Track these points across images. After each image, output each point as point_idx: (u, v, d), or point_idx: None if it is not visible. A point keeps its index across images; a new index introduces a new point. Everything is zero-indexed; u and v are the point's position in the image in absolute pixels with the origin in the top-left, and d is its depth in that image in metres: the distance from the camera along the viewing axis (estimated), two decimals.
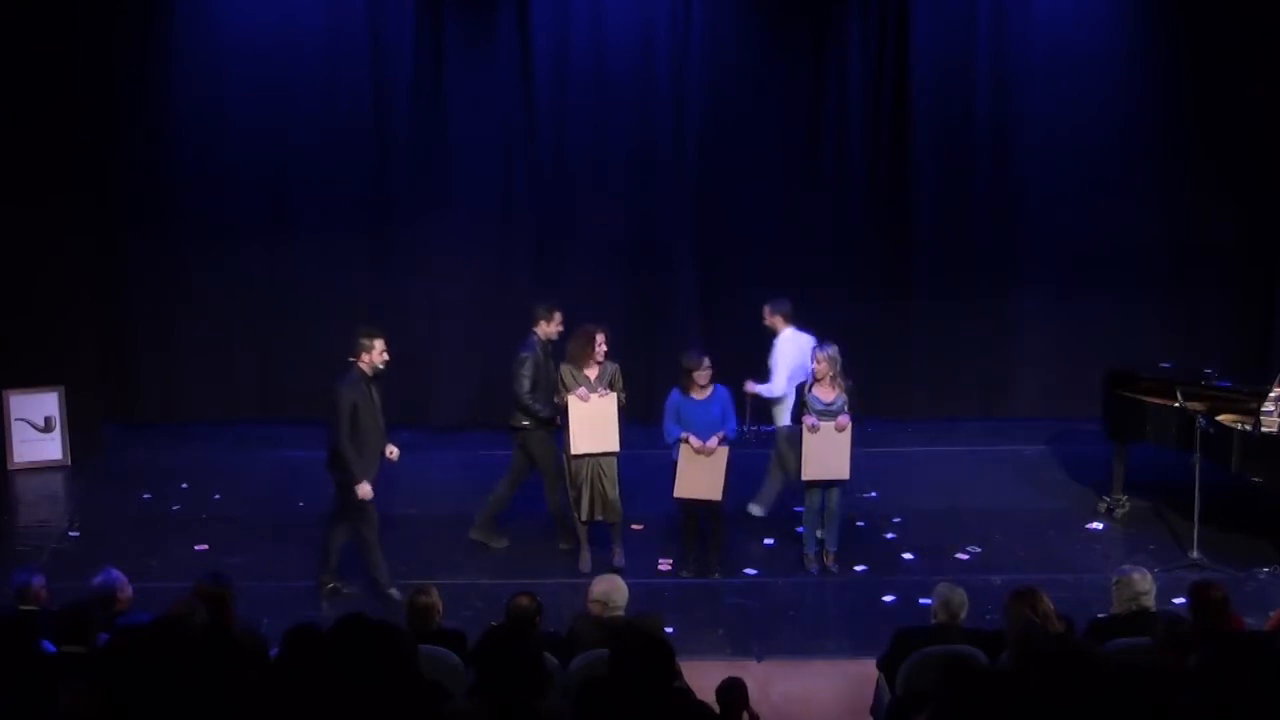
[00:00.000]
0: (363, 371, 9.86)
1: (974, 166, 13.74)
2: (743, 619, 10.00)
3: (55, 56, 12.43)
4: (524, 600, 7.59)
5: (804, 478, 10.48)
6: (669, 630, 8.29)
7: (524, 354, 10.71)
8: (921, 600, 9.13)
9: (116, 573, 7.87)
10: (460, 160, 13.55)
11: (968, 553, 10.90)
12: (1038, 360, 13.94)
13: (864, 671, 8.22)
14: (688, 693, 6.02)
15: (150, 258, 13.58)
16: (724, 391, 10.45)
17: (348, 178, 13.56)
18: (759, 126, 13.57)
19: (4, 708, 5.52)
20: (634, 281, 13.68)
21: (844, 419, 10.36)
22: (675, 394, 10.37)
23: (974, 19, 13.51)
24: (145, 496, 12.11)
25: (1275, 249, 13.61)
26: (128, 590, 7.84)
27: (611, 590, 7.80)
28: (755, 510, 11.35)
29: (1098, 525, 11.42)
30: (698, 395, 10.32)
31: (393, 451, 10.08)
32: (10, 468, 12.71)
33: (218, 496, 12.07)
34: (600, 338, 10.40)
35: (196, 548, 10.94)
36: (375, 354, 9.88)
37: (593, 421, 10.33)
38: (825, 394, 10.43)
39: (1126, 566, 7.94)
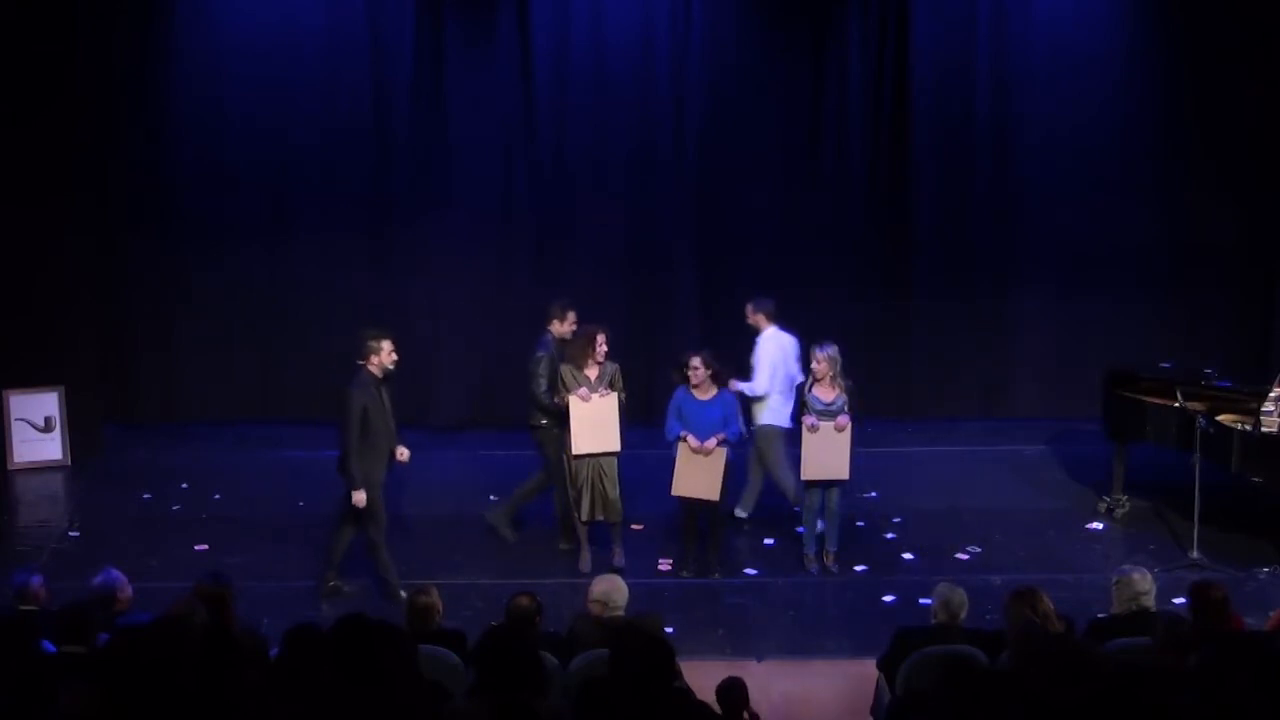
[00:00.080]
0: (372, 374, 9.87)
1: (974, 166, 13.74)
2: (743, 619, 10.00)
3: (55, 56, 12.43)
4: (524, 600, 7.59)
5: (804, 477, 10.48)
6: (669, 630, 8.29)
7: (540, 353, 10.71)
8: (921, 600, 9.12)
9: (116, 573, 7.86)
10: (460, 160, 13.55)
11: (968, 553, 10.90)
12: (1038, 360, 13.94)
13: (864, 671, 8.22)
14: (688, 693, 6.02)
15: (150, 258, 13.58)
16: (729, 395, 10.45)
17: (348, 178, 13.57)
18: (759, 126, 13.58)
19: (4, 708, 5.52)
20: (634, 281, 13.68)
21: (844, 419, 10.36)
22: (680, 392, 10.37)
23: (974, 19, 13.52)
24: (145, 496, 12.11)
25: (1275, 249, 13.62)
26: (128, 590, 7.84)
27: (611, 590, 7.80)
28: (739, 513, 11.35)
29: (1098, 525, 11.42)
30: (700, 395, 10.32)
31: (403, 453, 10.09)
32: (10, 468, 12.71)
33: (218, 496, 12.07)
34: (601, 338, 10.40)
35: (196, 548, 10.94)
36: (384, 355, 9.89)
37: (593, 421, 10.34)
38: (825, 394, 10.43)
39: (1126, 566, 7.94)
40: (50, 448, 12.85)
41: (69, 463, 12.86)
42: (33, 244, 12.48)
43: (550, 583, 9.97)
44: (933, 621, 7.64)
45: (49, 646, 6.62)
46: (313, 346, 13.59)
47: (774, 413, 11.04)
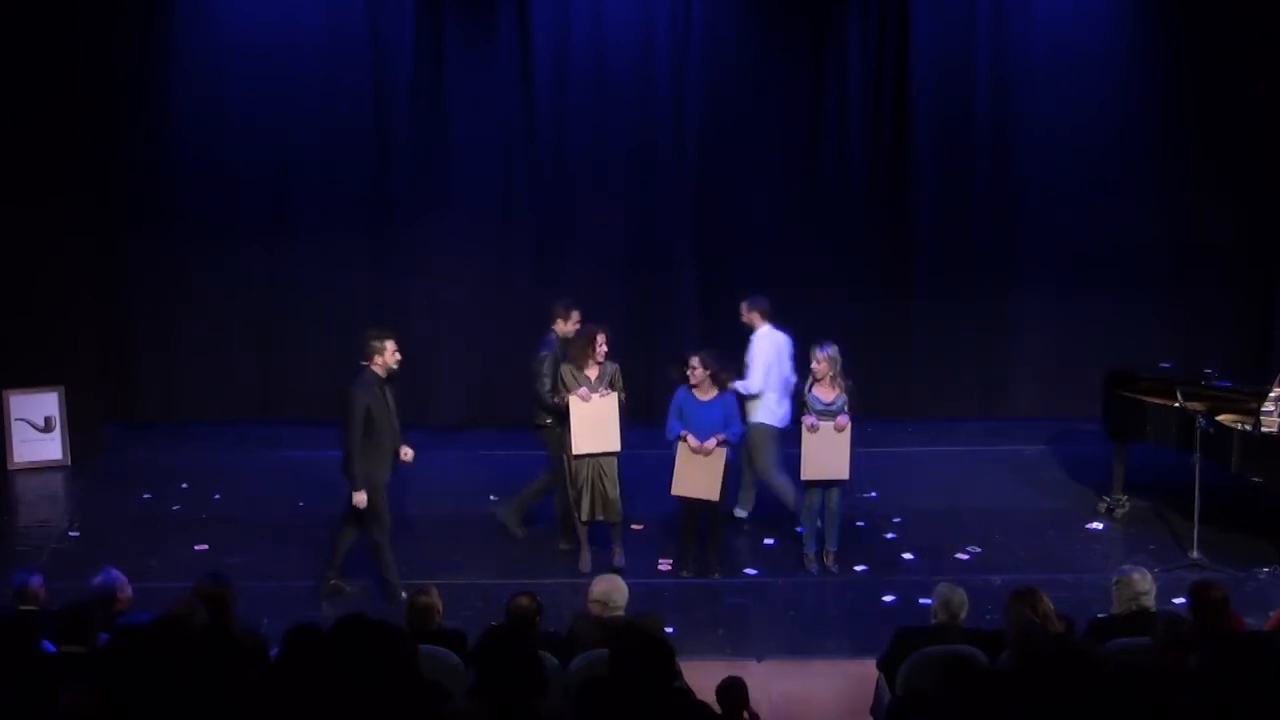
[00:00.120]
0: (376, 374, 9.87)
1: (974, 166, 13.74)
2: (743, 619, 10.01)
3: (55, 56, 12.43)
4: (524, 600, 7.59)
5: (803, 477, 10.48)
6: (669, 630, 8.29)
7: (544, 352, 10.71)
8: (921, 600, 9.12)
9: (116, 573, 7.86)
10: (460, 160, 13.55)
11: (968, 553, 10.90)
12: (1038, 360, 13.94)
13: (864, 671, 8.22)
14: (688, 693, 6.02)
15: (150, 258, 13.58)
16: (730, 396, 10.45)
17: (348, 178, 13.57)
18: (759, 126, 13.58)
19: (4, 708, 5.52)
20: (634, 281, 13.68)
21: (843, 419, 10.36)
22: (681, 391, 10.37)
23: (974, 19, 13.52)
24: (145, 496, 12.11)
25: (1275, 249, 13.62)
26: (128, 590, 7.84)
27: (611, 590, 7.80)
28: (739, 513, 11.36)
29: (1098, 525, 11.42)
30: (701, 395, 10.31)
31: (407, 453, 10.09)
32: (10, 468, 12.71)
33: (218, 496, 12.07)
34: (601, 338, 10.40)
35: (196, 548, 10.94)
36: (388, 355, 9.89)
37: (593, 421, 10.34)
38: (825, 394, 10.43)
39: (1126, 566, 7.94)
40: (50, 448, 12.85)
41: (69, 463, 12.86)
42: (33, 244, 12.47)
43: (550, 583, 9.97)
44: (933, 621, 7.64)
45: (49, 646, 6.62)
46: (313, 346, 13.60)
47: (768, 411, 11.05)
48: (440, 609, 7.66)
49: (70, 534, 11.40)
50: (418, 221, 13.62)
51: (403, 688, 5.49)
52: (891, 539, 11.17)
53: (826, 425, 10.34)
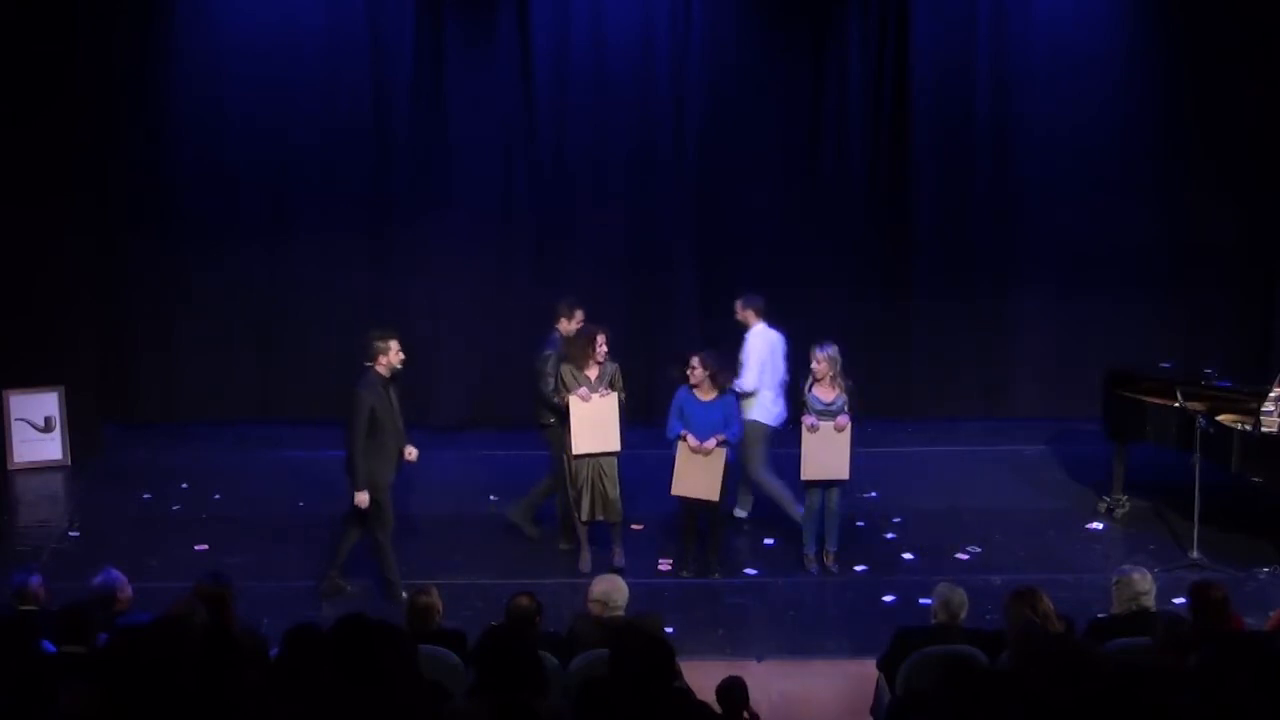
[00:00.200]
0: (380, 374, 9.87)
1: (974, 166, 13.74)
2: (743, 619, 10.01)
3: (55, 56, 12.43)
4: (524, 600, 7.59)
5: (803, 477, 10.48)
6: (669, 630, 8.29)
7: (547, 351, 10.70)
8: (921, 600, 9.12)
9: (116, 573, 7.86)
10: (460, 160, 13.55)
11: (968, 553, 10.90)
12: (1038, 360, 13.94)
13: (864, 671, 8.22)
14: (688, 693, 6.02)
15: (150, 258, 13.57)
16: (731, 397, 10.45)
17: (348, 178, 13.56)
18: (759, 126, 13.58)
19: (4, 708, 5.52)
20: (634, 281, 13.68)
21: (843, 419, 10.36)
22: (682, 391, 10.37)
23: (974, 19, 13.52)
24: (145, 496, 12.10)
25: (1275, 249, 13.61)
26: (128, 590, 7.83)
27: (611, 590, 7.80)
28: (739, 513, 11.36)
29: (1098, 525, 11.42)
30: (702, 396, 10.31)
31: (411, 453, 10.10)
32: (10, 468, 12.71)
33: (218, 496, 12.06)
34: (601, 338, 10.40)
35: (196, 548, 10.94)
36: (392, 355, 9.90)
37: (593, 421, 10.33)
38: (825, 394, 10.43)
39: (1126, 566, 7.94)
40: (50, 448, 12.84)
41: (69, 463, 12.86)
42: (33, 244, 12.47)
43: (550, 583, 9.97)
44: (933, 621, 7.64)
45: (49, 646, 6.62)
46: (313, 346, 13.61)
47: (762, 409, 11.05)
48: (440, 609, 7.66)
49: (70, 534, 11.40)
50: (418, 221, 13.61)
51: (403, 688, 5.49)
52: (891, 539, 11.17)
53: (826, 425, 10.34)
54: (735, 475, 10.97)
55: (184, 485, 12.30)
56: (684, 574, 10.50)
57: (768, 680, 8.74)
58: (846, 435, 10.37)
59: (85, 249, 12.98)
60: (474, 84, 13.45)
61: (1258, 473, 10.40)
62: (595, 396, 10.36)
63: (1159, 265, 13.79)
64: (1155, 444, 11.20)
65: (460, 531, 11.24)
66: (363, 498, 9.82)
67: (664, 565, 10.64)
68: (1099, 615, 8.01)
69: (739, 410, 10.52)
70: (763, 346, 11.15)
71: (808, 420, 10.36)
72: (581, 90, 13.51)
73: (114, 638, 6.01)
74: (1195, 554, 10.41)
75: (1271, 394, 10.46)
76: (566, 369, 10.44)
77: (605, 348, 10.42)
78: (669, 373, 10.62)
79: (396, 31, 13.42)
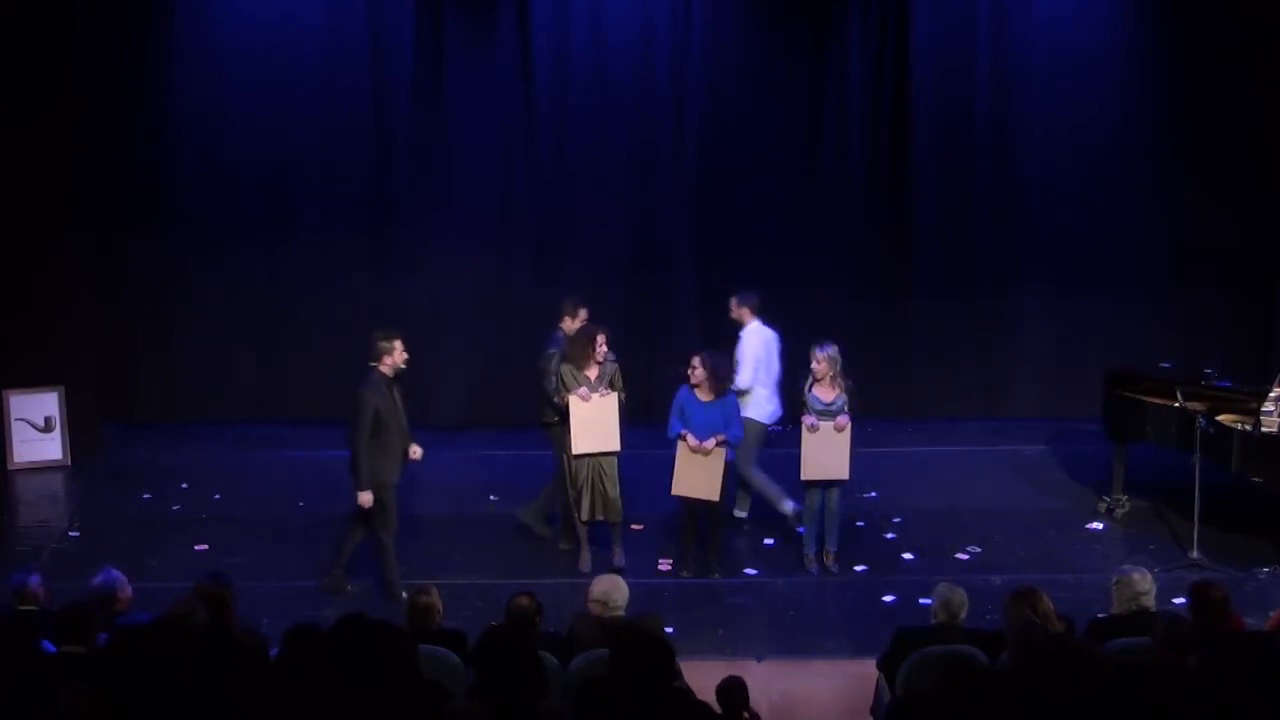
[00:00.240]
0: (384, 374, 9.88)
1: (974, 166, 13.74)
2: (743, 619, 10.00)
3: (55, 56, 12.42)
4: (524, 600, 7.59)
5: (803, 477, 10.48)
6: (669, 630, 8.29)
7: (551, 350, 10.70)
8: (921, 600, 9.12)
9: (116, 573, 7.86)
10: (460, 160, 13.55)
11: (968, 553, 10.90)
12: (1038, 360, 13.94)
13: (864, 671, 8.22)
14: (688, 693, 6.02)
15: (150, 258, 13.57)
16: (732, 397, 10.45)
17: (348, 178, 13.56)
18: (759, 126, 13.58)
19: (4, 708, 5.52)
20: (634, 281, 13.68)
21: (843, 419, 10.36)
22: (684, 391, 10.37)
23: (974, 19, 13.52)
24: (145, 496, 12.10)
25: (1275, 249, 13.62)
26: (128, 590, 7.83)
27: (611, 590, 7.80)
28: (739, 513, 11.36)
29: (1098, 525, 11.42)
30: (703, 396, 10.31)
31: (416, 452, 10.10)
32: (10, 468, 12.71)
33: (218, 496, 12.06)
34: (600, 339, 10.40)
35: (196, 548, 10.94)
36: (396, 355, 9.91)
37: (593, 421, 10.34)
38: (825, 394, 10.43)
39: (1126, 566, 7.94)
40: (50, 448, 12.84)
41: (69, 463, 12.85)
42: (33, 244, 12.47)
43: (550, 583, 9.97)
44: (933, 621, 7.64)
45: (49, 646, 6.62)
46: (313, 346, 13.61)
47: (756, 407, 11.05)
48: (440, 609, 7.66)
49: (70, 534, 11.40)
50: (418, 221, 13.61)
51: (403, 688, 5.49)
52: (891, 539, 11.17)
53: (826, 425, 10.34)
54: (735, 475, 10.97)
55: (184, 485, 12.30)
56: (684, 574, 10.50)
57: (768, 680, 8.74)
58: (846, 435, 10.37)
59: (85, 249, 12.98)
60: (474, 84, 13.45)
61: (1258, 473, 10.40)
62: (595, 396, 10.36)
63: (1159, 265, 13.79)
64: (1155, 444, 11.20)
65: (460, 531, 11.24)
66: (366, 497, 9.82)
67: (664, 565, 10.64)
68: (1099, 615, 8.01)
69: (740, 411, 10.52)
70: (758, 344, 11.17)
71: (808, 420, 10.36)
72: (581, 90, 13.51)
73: (114, 638, 6.01)
74: (1195, 554, 10.41)
75: (1271, 394, 10.46)
76: (566, 369, 10.44)
77: (605, 347, 10.42)
78: (667, 371, 10.60)
79: (396, 31, 13.42)
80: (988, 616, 8.72)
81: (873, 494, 11.87)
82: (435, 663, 6.84)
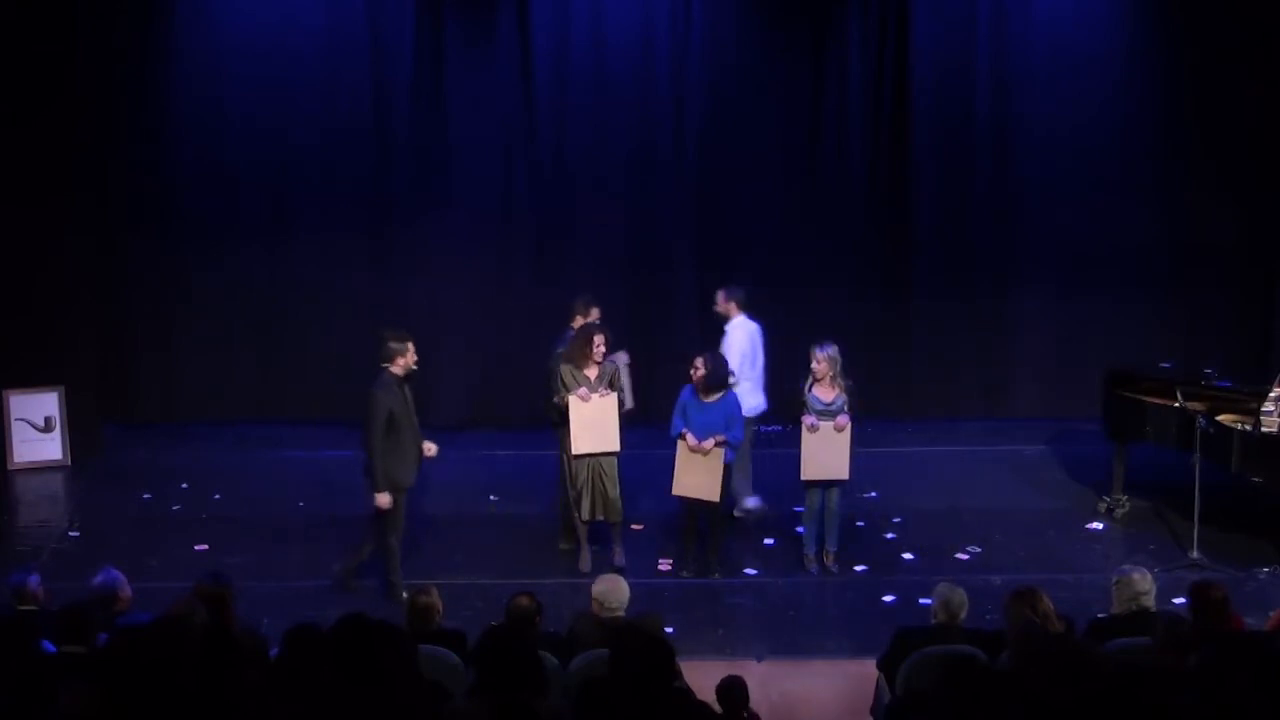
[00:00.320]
0: (395, 375, 9.88)
1: (974, 166, 13.74)
2: (743, 619, 10.00)
3: (55, 56, 12.43)
4: (524, 600, 7.59)
5: (803, 477, 10.47)
6: (669, 630, 8.29)
7: (560, 350, 10.70)
8: (921, 600, 9.12)
9: (116, 573, 7.85)
10: (460, 160, 13.55)
11: (968, 553, 10.90)
12: (1038, 360, 13.94)
13: (864, 671, 8.22)
14: (688, 693, 6.02)
15: (150, 258, 13.57)
16: (733, 398, 10.44)
17: (348, 178, 13.56)
18: (759, 126, 13.58)
19: (4, 708, 5.52)
20: (634, 281, 13.68)
21: (843, 419, 10.36)
22: (686, 391, 10.37)
23: (974, 19, 13.52)
24: (145, 496, 12.10)
25: (1275, 249, 13.62)
26: (128, 590, 7.83)
27: (611, 590, 7.80)
28: (739, 513, 11.35)
29: (1098, 525, 11.42)
30: (705, 397, 10.30)
31: (431, 449, 10.10)
32: (10, 468, 12.71)
33: (218, 496, 12.06)
34: (599, 339, 10.40)
35: (196, 548, 10.94)
36: (409, 356, 9.92)
37: (593, 421, 10.34)
38: (825, 394, 10.43)
39: (1126, 566, 7.93)
40: (50, 448, 12.84)
41: (69, 463, 12.85)
42: (33, 244, 12.47)
43: (550, 583, 9.97)
44: (933, 621, 7.64)
45: (49, 646, 6.62)
46: (313, 346, 13.61)
47: (741, 400, 11.04)
48: (440, 609, 7.66)
49: (70, 534, 11.40)
50: (418, 221, 13.61)
51: (403, 688, 5.49)
52: (891, 539, 11.17)
53: (826, 425, 10.34)
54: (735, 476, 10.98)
55: (184, 485, 12.30)
56: (684, 574, 10.50)
57: (768, 680, 8.75)
58: (846, 435, 10.37)
59: (85, 249, 12.98)
60: (474, 84, 13.45)
61: (1258, 473, 10.40)
62: (595, 396, 10.36)
63: (1159, 265, 13.79)
64: (1155, 444, 11.20)
65: (460, 531, 11.24)
66: (384, 499, 9.82)
67: (664, 565, 10.64)
68: (1099, 615, 8.01)
69: (741, 412, 10.52)
70: (743, 338, 11.20)
71: (808, 420, 10.36)
72: (581, 90, 13.51)
73: (114, 638, 6.01)
74: (1195, 554, 10.41)
75: (1271, 394, 10.46)
76: (567, 369, 10.44)
77: (603, 348, 10.42)
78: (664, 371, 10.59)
79: (396, 31, 13.42)
80: (988, 616, 8.72)
81: (873, 494, 11.87)
82: (435, 663, 6.84)
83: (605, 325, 10.61)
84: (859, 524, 11.27)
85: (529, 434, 12.49)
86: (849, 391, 10.45)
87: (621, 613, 7.74)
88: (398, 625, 6.18)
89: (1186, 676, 5.71)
